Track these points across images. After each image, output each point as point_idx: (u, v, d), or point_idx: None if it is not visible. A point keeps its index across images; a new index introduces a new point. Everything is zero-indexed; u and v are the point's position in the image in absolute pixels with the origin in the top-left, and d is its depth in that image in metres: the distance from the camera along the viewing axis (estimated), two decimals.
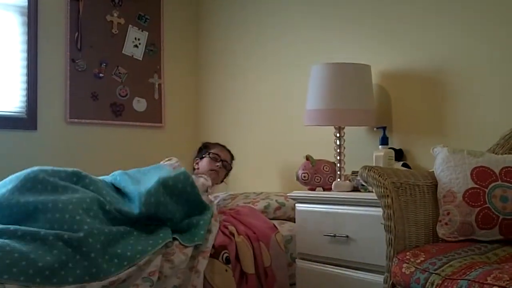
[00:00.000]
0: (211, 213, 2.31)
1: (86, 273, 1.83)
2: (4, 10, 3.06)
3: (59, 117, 3.21)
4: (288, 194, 2.39)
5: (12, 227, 1.88)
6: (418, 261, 1.50)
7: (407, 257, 1.53)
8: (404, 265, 1.52)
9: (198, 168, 2.93)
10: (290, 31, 3.06)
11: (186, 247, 2.12)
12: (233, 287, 2.18)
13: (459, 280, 1.35)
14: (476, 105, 2.24)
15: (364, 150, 2.52)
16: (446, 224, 1.70)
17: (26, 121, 3.10)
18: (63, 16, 3.22)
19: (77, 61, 3.26)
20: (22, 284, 1.71)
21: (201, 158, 2.96)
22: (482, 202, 1.66)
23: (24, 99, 3.11)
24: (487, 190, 1.67)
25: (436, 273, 1.41)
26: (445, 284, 1.37)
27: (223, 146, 3.05)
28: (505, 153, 1.86)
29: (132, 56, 3.47)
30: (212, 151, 2.95)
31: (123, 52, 3.43)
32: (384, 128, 2.37)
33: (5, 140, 3.02)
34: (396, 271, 1.54)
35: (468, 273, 1.36)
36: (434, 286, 1.39)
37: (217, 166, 2.91)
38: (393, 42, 2.54)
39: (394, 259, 1.58)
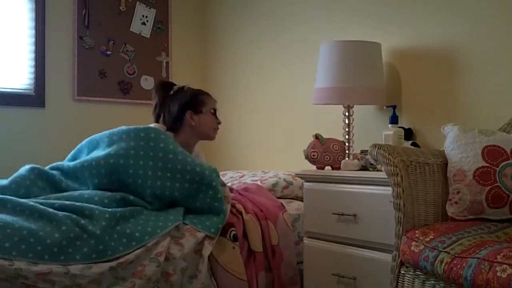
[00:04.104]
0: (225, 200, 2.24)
1: (93, 251, 1.83)
2: None
3: (67, 95, 3.21)
4: (296, 173, 2.38)
5: (19, 206, 1.88)
6: (427, 239, 1.49)
7: (416, 235, 1.53)
8: (413, 243, 1.51)
9: (194, 125, 2.43)
10: (300, 8, 3.02)
11: (198, 231, 2.10)
12: (240, 264, 2.18)
13: (468, 259, 1.34)
14: (488, 83, 2.21)
15: (373, 129, 2.50)
16: (456, 203, 1.68)
17: (34, 98, 3.10)
18: None
19: (84, 38, 3.24)
20: (31, 261, 1.71)
21: (196, 112, 2.45)
22: (492, 181, 1.64)
23: (32, 76, 3.11)
24: (497, 169, 1.65)
25: (445, 251, 1.41)
26: (455, 262, 1.36)
27: (209, 94, 2.57)
28: None
29: (140, 33, 3.44)
30: (210, 106, 2.49)
31: (130, 29, 3.41)
32: (394, 107, 2.35)
33: (14, 117, 3.03)
34: (405, 249, 1.53)
35: (477, 251, 1.35)
36: (443, 264, 1.39)
37: (219, 123, 2.53)
38: (403, 20, 2.50)
39: (403, 237, 1.57)
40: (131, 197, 2.12)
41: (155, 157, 2.16)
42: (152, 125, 2.47)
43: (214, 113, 2.50)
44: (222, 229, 2.19)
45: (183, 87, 2.54)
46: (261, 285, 2.28)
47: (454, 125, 1.83)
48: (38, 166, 2.21)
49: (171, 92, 2.50)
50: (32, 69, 3.11)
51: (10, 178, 2.13)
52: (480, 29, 2.23)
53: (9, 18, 3.04)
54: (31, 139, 3.07)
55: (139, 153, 2.17)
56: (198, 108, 2.45)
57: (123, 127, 2.29)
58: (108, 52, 3.33)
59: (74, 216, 1.88)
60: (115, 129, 2.30)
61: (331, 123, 2.63)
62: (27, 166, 2.19)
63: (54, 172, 2.25)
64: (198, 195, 2.17)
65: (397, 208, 1.61)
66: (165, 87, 2.55)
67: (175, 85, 2.56)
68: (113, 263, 1.84)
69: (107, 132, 2.32)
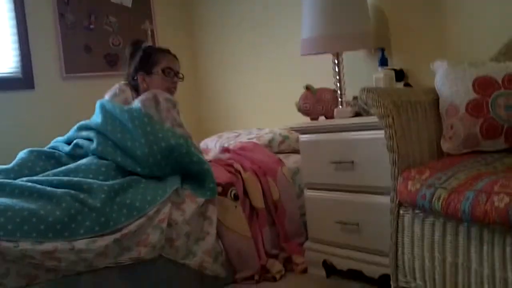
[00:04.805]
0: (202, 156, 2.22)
1: (95, 224, 1.84)
2: None
3: (55, 74, 3.18)
4: (290, 126, 2.36)
5: (17, 188, 1.88)
6: (424, 177, 1.48)
7: (412, 174, 1.52)
8: (410, 182, 1.50)
9: (146, 87, 2.40)
10: None
11: (197, 197, 2.11)
12: (243, 223, 2.20)
13: (465, 192, 1.33)
14: (477, 15, 2.15)
15: (364, 74, 2.46)
16: (450, 138, 1.67)
17: (23, 80, 3.08)
18: None
19: (66, 15, 3.19)
20: (36, 240, 1.73)
21: (148, 73, 2.41)
22: (485, 112, 1.61)
23: (18, 59, 3.07)
24: (490, 100, 1.62)
25: (442, 187, 1.39)
26: (452, 197, 1.35)
27: (169, 52, 2.49)
28: (508, 61, 1.79)
29: (121, 3, 3.37)
30: (163, 66, 2.40)
31: (111, 0, 3.33)
32: (382, 50, 2.30)
33: (4, 101, 3.01)
34: (402, 189, 1.52)
35: (474, 184, 1.34)
36: (441, 200, 1.38)
37: (175, 82, 2.44)
38: None
39: (399, 178, 1.56)
40: (128, 160, 2.10)
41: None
42: (117, 84, 2.45)
43: (170, 72, 2.40)
44: (222, 190, 2.19)
45: (142, 46, 2.47)
46: (266, 241, 2.31)
47: (443, 60, 1.79)
48: (35, 148, 2.21)
49: (133, 52, 2.46)
50: (17, 52, 3.06)
51: (12, 162, 2.13)
52: None
53: None
54: (24, 122, 3.06)
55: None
56: (149, 69, 2.40)
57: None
58: (91, 26, 3.27)
59: (73, 192, 1.89)
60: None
61: (320, 72, 2.59)
62: (25, 150, 2.19)
63: (53, 150, 2.25)
64: (176, 167, 2.16)
65: (391, 149, 1.59)
66: (133, 46, 2.50)
67: (143, 43, 2.51)
68: (117, 235, 1.86)
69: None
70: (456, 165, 1.50)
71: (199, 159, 2.16)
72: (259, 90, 3.19)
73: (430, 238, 1.47)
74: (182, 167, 2.15)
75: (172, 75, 2.43)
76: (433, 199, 1.40)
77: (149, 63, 2.41)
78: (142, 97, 2.27)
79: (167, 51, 2.48)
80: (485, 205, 1.27)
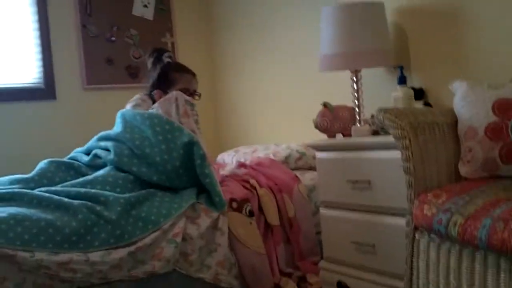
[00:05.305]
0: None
1: (111, 236, 1.85)
2: None
3: (77, 85, 3.23)
4: (307, 143, 2.35)
5: (35, 199, 1.91)
6: (440, 201, 1.45)
7: (428, 198, 1.49)
8: (425, 206, 1.48)
9: None
10: None
11: (212, 211, 2.11)
12: (258, 239, 2.19)
13: (482, 218, 1.30)
14: (498, 35, 2.12)
15: (382, 92, 2.44)
16: (468, 161, 1.64)
17: (45, 91, 3.13)
18: None
19: (88, 27, 3.23)
20: (51, 251, 1.74)
21: (165, 92, 2.41)
22: (505, 136, 1.59)
23: (41, 69, 3.13)
24: (510, 123, 1.59)
25: (458, 213, 1.37)
26: (468, 223, 1.33)
27: (187, 71, 2.48)
28: None
29: (143, 16, 3.41)
30: (179, 87, 2.40)
31: (133, 13, 3.38)
32: (401, 67, 2.28)
33: (26, 111, 3.06)
34: (418, 213, 1.50)
35: (492, 210, 1.31)
36: (457, 226, 1.35)
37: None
38: None
39: (414, 201, 1.54)
40: (144, 169, 2.10)
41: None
42: (138, 95, 2.48)
43: (185, 93, 2.38)
44: (237, 205, 2.19)
45: (163, 58, 2.48)
46: (281, 258, 2.30)
47: (463, 81, 1.76)
48: (55, 158, 2.25)
49: (155, 62, 2.49)
50: (40, 63, 3.12)
51: (32, 172, 2.17)
52: None
53: (12, 14, 3.04)
54: (45, 131, 3.11)
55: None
56: (166, 88, 2.43)
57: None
58: (113, 38, 3.31)
59: (89, 203, 1.91)
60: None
61: (338, 88, 2.58)
62: (45, 160, 2.23)
63: (72, 160, 2.28)
64: (193, 176, 2.14)
65: (407, 171, 1.57)
66: (154, 56, 2.53)
67: (166, 52, 2.52)
68: (132, 248, 1.87)
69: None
70: (474, 190, 1.47)
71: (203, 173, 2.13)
72: (277, 106, 3.19)
73: (446, 264, 1.44)
74: (198, 176, 2.15)
75: (188, 95, 2.42)
76: (449, 225, 1.38)
77: (166, 82, 2.45)
78: (162, 98, 2.31)
79: (185, 70, 2.50)
80: (502, 233, 1.25)
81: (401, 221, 1.81)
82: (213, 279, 2.02)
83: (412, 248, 1.55)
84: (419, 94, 2.31)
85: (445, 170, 1.66)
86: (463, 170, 1.65)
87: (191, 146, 2.11)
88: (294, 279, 2.28)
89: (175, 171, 2.12)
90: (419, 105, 2.23)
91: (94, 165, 2.24)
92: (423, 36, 2.38)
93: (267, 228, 2.28)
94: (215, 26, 3.64)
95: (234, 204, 2.19)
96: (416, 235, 1.55)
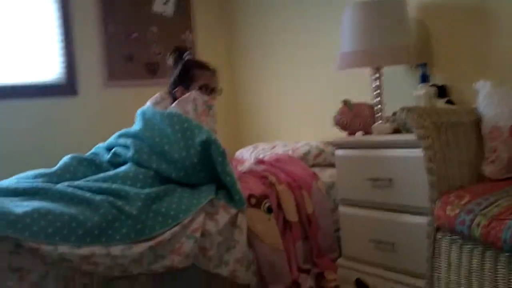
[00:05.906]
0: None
1: (131, 231, 1.87)
2: None
3: (98, 81, 3.26)
4: (326, 140, 2.34)
5: (59, 193, 1.94)
6: (463, 202, 1.44)
7: (451, 198, 1.48)
8: (448, 207, 1.46)
9: None
10: None
11: (231, 208, 2.12)
12: (276, 235, 2.19)
13: (507, 220, 1.29)
14: None
15: (404, 89, 2.42)
16: (492, 162, 1.62)
17: (67, 87, 3.16)
18: None
19: (109, 24, 3.26)
20: (74, 244, 1.76)
21: (186, 88, 2.44)
22: None
23: (62, 66, 3.16)
24: None
25: (482, 214, 1.36)
26: (492, 224, 1.31)
27: (207, 68, 2.50)
28: None
29: (162, 14, 3.43)
30: (200, 83, 2.43)
31: (153, 10, 3.40)
32: (424, 65, 2.25)
33: (48, 107, 3.10)
34: (440, 214, 1.49)
35: None
36: (480, 228, 1.34)
37: (211, 98, 2.43)
38: None
39: (437, 202, 1.52)
40: (163, 166, 2.13)
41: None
42: (158, 93, 2.50)
43: (207, 89, 2.42)
44: (256, 202, 2.20)
45: (184, 56, 2.53)
46: (299, 255, 2.30)
47: (486, 80, 1.74)
48: (77, 154, 2.29)
49: (177, 60, 2.52)
50: (62, 59, 3.15)
51: (55, 167, 2.21)
52: None
53: (35, 11, 3.08)
54: (67, 127, 3.15)
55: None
56: (187, 85, 2.45)
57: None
58: (133, 36, 3.34)
59: (111, 198, 1.93)
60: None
61: (358, 86, 2.56)
62: (68, 156, 2.27)
63: (94, 156, 2.32)
64: (210, 171, 2.16)
65: (430, 171, 1.56)
66: (176, 55, 2.56)
67: (186, 51, 2.55)
68: (152, 242, 1.88)
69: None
70: (498, 191, 1.46)
71: (223, 171, 2.15)
72: (297, 102, 3.18)
73: (468, 265, 1.43)
74: (216, 173, 2.16)
75: (209, 91, 2.45)
76: (472, 226, 1.37)
77: (187, 78, 2.46)
78: (180, 98, 2.34)
79: (205, 67, 2.52)
80: None
81: (421, 220, 1.81)
82: (230, 275, 2.04)
83: (434, 248, 1.54)
84: (442, 91, 2.28)
85: (467, 170, 1.64)
86: (487, 170, 1.63)
87: (209, 144, 2.12)
88: (312, 275, 2.28)
89: (193, 167, 2.14)
90: (441, 102, 2.20)
91: (114, 163, 2.27)
92: (446, 33, 2.35)
93: (286, 224, 2.29)
94: (235, 23, 3.64)
95: (253, 200, 2.19)
96: (438, 236, 1.54)
